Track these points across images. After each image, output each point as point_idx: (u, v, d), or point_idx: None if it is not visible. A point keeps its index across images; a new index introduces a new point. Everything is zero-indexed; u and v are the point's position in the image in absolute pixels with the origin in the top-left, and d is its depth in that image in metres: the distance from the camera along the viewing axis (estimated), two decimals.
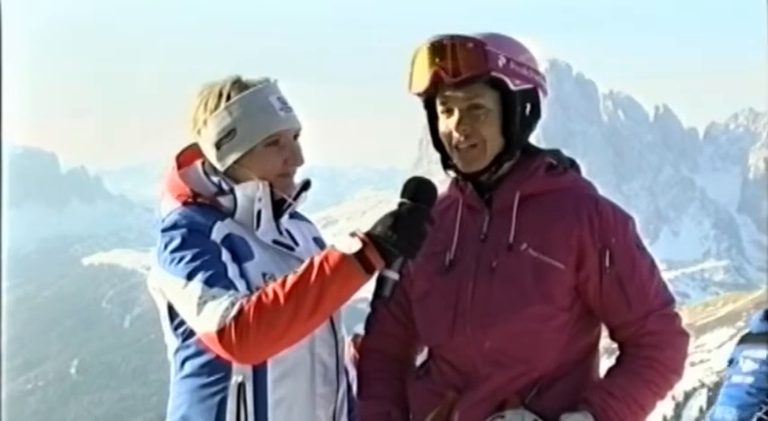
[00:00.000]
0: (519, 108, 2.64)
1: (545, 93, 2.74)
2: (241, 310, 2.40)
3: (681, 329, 2.70)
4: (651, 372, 2.60)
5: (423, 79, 2.63)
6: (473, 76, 2.57)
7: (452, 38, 2.59)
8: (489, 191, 2.72)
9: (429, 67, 2.61)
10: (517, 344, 2.63)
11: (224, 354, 2.47)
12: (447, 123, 2.66)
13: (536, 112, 2.72)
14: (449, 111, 2.66)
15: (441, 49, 2.59)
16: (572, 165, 2.80)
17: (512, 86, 2.61)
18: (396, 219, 2.43)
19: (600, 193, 2.77)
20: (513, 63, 2.61)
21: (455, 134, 2.64)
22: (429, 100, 2.72)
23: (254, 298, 2.43)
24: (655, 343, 2.62)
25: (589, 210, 2.64)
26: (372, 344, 2.93)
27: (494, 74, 2.58)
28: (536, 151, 2.76)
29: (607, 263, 2.60)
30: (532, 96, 2.69)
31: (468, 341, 2.65)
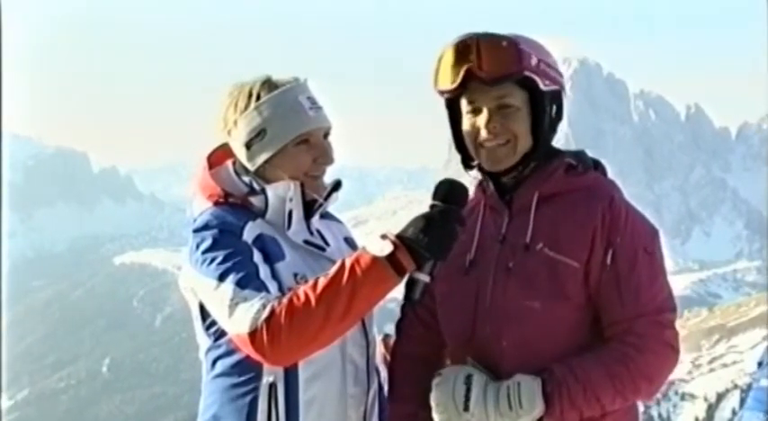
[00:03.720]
0: (548, 108, 2.67)
1: (565, 95, 2.78)
2: (273, 312, 2.40)
3: (669, 340, 2.61)
4: (620, 369, 2.53)
5: (453, 77, 2.62)
6: (507, 74, 2.57)
7: (485, 36, 2.60)
8: (510, 192, 2.73)
9: (460, 64, 2.60)
10: (534, 343, 2.62)
11: (256, 356, 2.46)
12: (474, 122, 2.66)
13: (560, 114, 2.74)
14: (476, 111, 2.66)
15: (473, 47, 2.58)
16: (596, 166, 2.80)
17: (542, 87, 2.62)
18: (427, 222, 2.43)
19: (622, 194, 2.75)
20: (543, 63, 2.63)
21: (483, 132, 2.64)
22: (451, 100, 2.73)
23: (285, 300, 2.42)
24: (636, 344, 2.55)
25: (603, 207, 2.63)
26: (401, 346, 2.96)
27: (527, 73, 2.59)
28: (556, 152, 2.76)
29: (608, 261, 2.60)
30: (558, 98, 2.71)
31: (488, 341, 2.66)
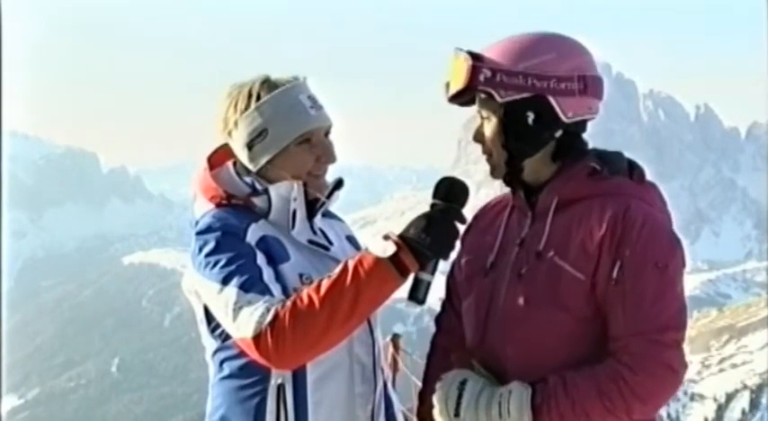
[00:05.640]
0: (512, 119, 2.57)
1: (567, 94, 2.57)
2: (276, 316, 2.38)
3: (668, 361, 2.44)
4: (611, 387, 2.42)
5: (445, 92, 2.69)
6: (461, 90, 2.58)
7: (456, 52, 2.60)
8: (536, 193, 2.67)
9: (446, 80, 2.66)
10: (537, 352, 2.58)
11: (260, 360, 2.44)
12: None
13: (550, 120, 2.57)
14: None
15: (450, 63, 2.62)
16: (632, 169, 2.68)
17: (498, 98, 2.54)
18: (429, 221, 2.41)
19: (645, 202, 2.58)
20: (501, 74, 2.52)
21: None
22: None
23: (288, 303, 2.40)
24: (630, 363, 2.42)
25: (616, 216, 2.50)
26: (438, 340, 2.98)
27: (480, 88, 2.55)
28: (583, 154, 2.67)
29: (615, 275, 2.48)
30: (535, 105, 2.55)
31: (496, 346, 2.65)
